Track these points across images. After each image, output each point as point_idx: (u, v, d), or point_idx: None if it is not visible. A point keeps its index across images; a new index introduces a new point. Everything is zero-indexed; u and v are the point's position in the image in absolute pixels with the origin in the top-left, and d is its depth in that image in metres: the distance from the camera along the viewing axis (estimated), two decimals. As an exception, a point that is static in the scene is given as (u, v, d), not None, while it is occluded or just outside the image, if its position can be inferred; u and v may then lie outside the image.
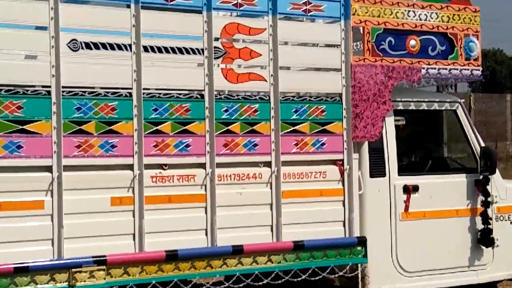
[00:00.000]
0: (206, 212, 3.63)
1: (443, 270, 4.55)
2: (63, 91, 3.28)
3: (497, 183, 4.75)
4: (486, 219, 4.53)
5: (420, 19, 4.40)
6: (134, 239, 3.43)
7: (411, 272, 4.44)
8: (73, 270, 3.20)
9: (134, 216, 3.41)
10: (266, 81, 3.82)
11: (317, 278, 4.00)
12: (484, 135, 5.17)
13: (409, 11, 4.35)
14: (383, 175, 4.39)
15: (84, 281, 3.23)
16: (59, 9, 3.21)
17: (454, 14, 4.54)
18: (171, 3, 3.56)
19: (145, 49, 3.43)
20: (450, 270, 4.58)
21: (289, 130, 3.88)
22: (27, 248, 3.18)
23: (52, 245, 3.22)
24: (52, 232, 3.24)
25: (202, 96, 3.61)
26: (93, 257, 3.25)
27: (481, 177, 4.63)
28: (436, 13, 4.45)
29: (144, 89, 3.44)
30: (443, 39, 4.48)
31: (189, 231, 3.58)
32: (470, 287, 4.79)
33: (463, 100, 5.01)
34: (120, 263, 3.37)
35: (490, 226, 4.58)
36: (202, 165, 3.59)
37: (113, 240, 3.39)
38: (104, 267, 3.28)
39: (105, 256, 3.28)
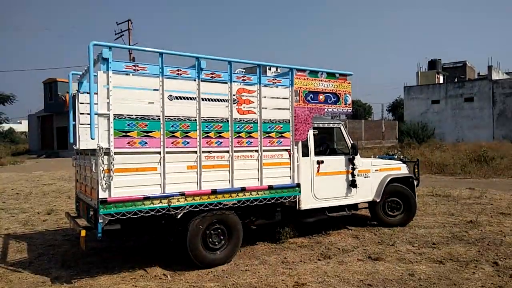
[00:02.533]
0: (229, 172, 5.12)
1: (335, 197, 6.33)
2: (165, 118, 4.66)
3: (357, 159, 6.52)
4: (353, 175, 6.41)
5: (325, 87, 6.12)
6: (197, 184, 4.88)
7: (320, 199, 6.17)
8: (170, 198, 4.66)
9: (197, 174, 4.87)
10: (256, 114, 5.37)
11: (278, 202, 5.57)
12: (351, 138, 6.47)
13: (319, 82, 6.05)
14: (308, 155, 6.03)
15: (175, 202, 4.72)
16: (164, 81, 4.68)
17: (339, 84, 6.30)
18: (214, 78, 5.10)
19: (203, 99, 4.95)
20: (338, 197, 6.37)
21: (266, 135, 5.44)
22: (150, 188, 4.63)
23: (160, 186, 4.64)
24: (161, 180, 4.63)
25: (227, 120, 5.12)
26: (179, 192, 4.69)
27: (351, 156, 6.43)
28: (332, 83, 6.20)
29: (202, 117, 4.93)
30: (335, 95, 6.22)
31: (221, 181, 5.09)
32: (347, 207, 6.57)
33: (343, 122, 6.36)
34: (191, 195, 4.80)
35: (355, 178, 6.42)
36: (227, 151, 5.11)
37: (187, 184, 4.84)
38: (184, 196, 4.77)
39: (184, 191, 4.74)
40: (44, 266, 5.35)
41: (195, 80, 4.87)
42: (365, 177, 6.73)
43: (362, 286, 4.35)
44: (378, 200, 6.84)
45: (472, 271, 4.80)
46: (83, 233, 4.57)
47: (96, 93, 4.29)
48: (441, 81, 46.28)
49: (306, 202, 5.99)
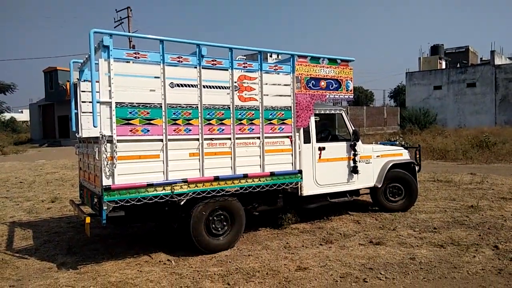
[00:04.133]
0: (231, 159, 5.14)
1: (337, 183, 6.41)
2: (167, 106, 4.63)
3: (359, 145, 6.60)
4: (355, 161, 6.50)
5: (326, 73, 6.15)
6: (199, 171, 4.88)
7: (321, 185, 6.28)
8: (173, 185, 4.68)
9: (199, 161, 4.87)
10: (257, 101, 5.37)
11: (280, 188, 5.62)
12: (353, 124, 6.33)
13: (321, 68, 6.10)
14: (309, 142, 6.10)
15: (178, 189, 4.73)
16: (165, 68, 4.63)
17: (341, 70, 6.31)
18: (215, 65, 5.03)
19: (204, 86, 4.91)
20: (340, 183, 6.45)
21: (268, 122, 5.47)
22: (153, 175, 4.56)
23: (163, 174, 4.66)
24: (163, 167, 4.64)
25: (229, 107, 5.12)
26: (182, 179, 4.71)
27: (352, 143, 6.51)
28: (333, 70, 6.23)
29: (204, 105, 4.89)
30: (336, 81, 6.23)
31: (223, 167, 5.11)
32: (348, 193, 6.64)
33: (345, 109, 6.40)
34: (194, 181, 4.82)
35: (356, 164, 6.51)
36: (229, 138, 5.12)
37: (190, 171, 4.84)
38: (187, 183, 4.78)
39: (187, 178, 4.76)
40: (50, 252, 5.46)
41: (196, 67, 4.85)
42: (367, 163, 6.78)
43: (364, 270, 4.41)
44: (379, 186, 6.88)
45: (472, 254, 4.83)
46: (87, 220, 4.59)
47: (97, 81, 4.27)
48: (443, 66, 46.01)
49: (308, 188, 6.05)
